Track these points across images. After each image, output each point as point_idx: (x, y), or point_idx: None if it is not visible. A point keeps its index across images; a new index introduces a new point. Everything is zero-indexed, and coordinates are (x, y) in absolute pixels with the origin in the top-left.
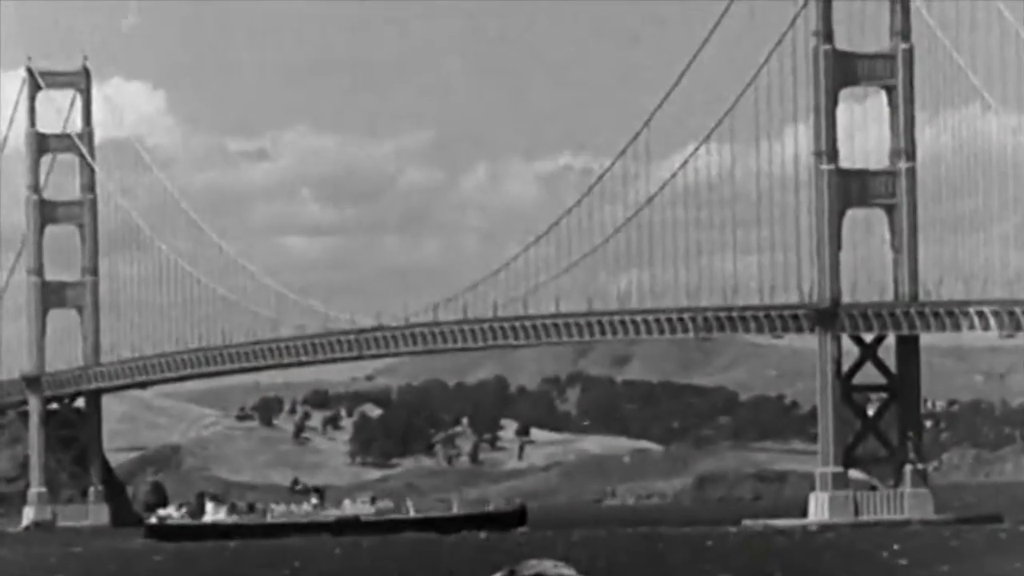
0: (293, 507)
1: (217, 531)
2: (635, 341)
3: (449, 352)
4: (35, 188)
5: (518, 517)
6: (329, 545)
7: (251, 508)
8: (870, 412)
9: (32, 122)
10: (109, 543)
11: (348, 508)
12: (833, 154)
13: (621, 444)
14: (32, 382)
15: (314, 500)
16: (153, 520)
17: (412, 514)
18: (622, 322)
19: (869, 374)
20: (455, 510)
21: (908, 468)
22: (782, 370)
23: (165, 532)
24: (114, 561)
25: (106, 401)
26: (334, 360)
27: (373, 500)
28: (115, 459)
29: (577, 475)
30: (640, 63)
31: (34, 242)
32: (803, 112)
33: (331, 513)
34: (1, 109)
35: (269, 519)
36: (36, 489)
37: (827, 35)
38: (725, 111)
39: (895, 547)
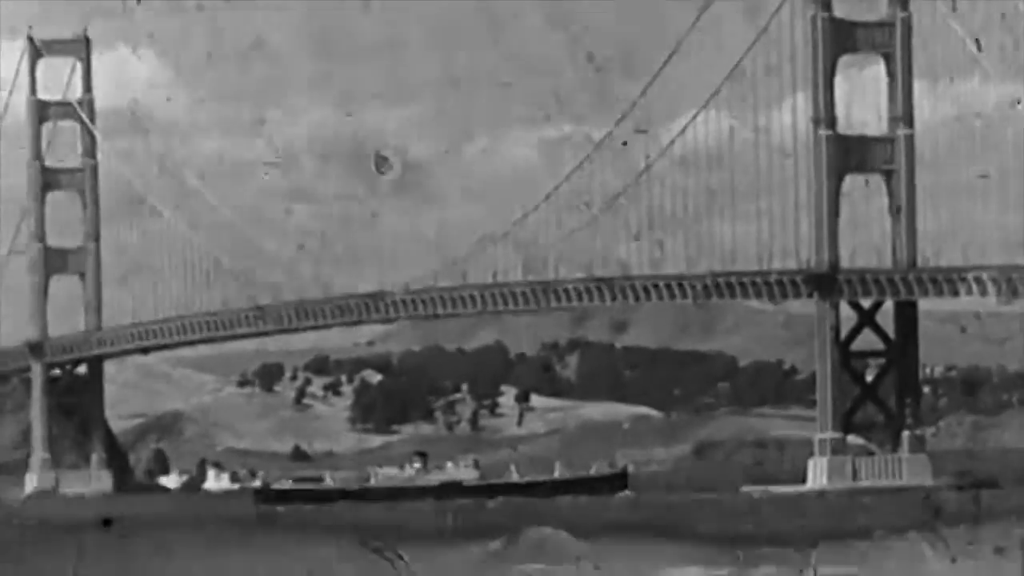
0: (396, 471)
1: (323, 495)
2: (634, 307)
3: (449, 318)
4: (36, 155)
5: (621, 480)
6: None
7: (253, 475)
8: (868, 378)
9: (33, 90)
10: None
11: (451, 472)
12: (831, 120)
13: (621, 411)
14: (35, 348)
15: (417, 464)
16: (257, 484)
17: (515, 478)
18: (622, 288)
19: (867, 340)
20: (557, 474)
21: (906, 434)
22: (781, 336)
23: (275, 496)
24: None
25: (108, 368)
26: (335, 325)
27: (476, 464)
28: (117, 426)
29: (577, 441)
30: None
31: (36, 209)
32: (801, 79)
33: (434, 477)
34: (1, 77)
35: (373, 483)
36: (39, 456)
37: (825, 3)
38: (723, 78)
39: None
